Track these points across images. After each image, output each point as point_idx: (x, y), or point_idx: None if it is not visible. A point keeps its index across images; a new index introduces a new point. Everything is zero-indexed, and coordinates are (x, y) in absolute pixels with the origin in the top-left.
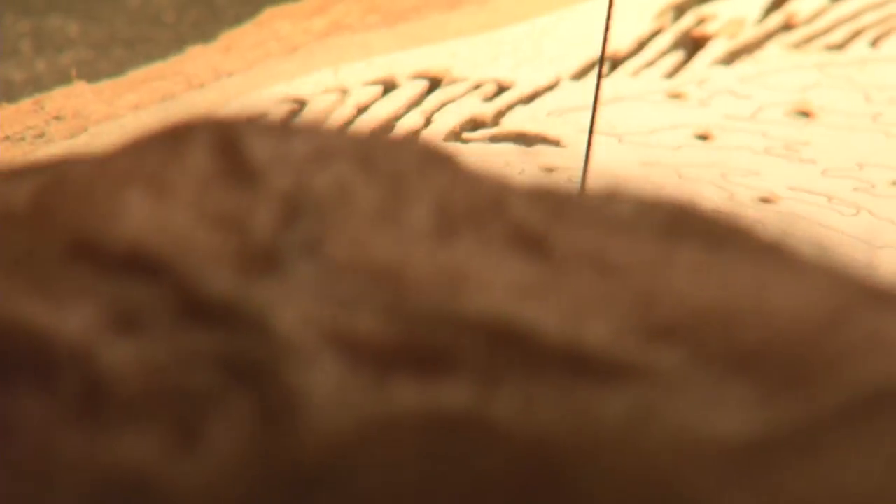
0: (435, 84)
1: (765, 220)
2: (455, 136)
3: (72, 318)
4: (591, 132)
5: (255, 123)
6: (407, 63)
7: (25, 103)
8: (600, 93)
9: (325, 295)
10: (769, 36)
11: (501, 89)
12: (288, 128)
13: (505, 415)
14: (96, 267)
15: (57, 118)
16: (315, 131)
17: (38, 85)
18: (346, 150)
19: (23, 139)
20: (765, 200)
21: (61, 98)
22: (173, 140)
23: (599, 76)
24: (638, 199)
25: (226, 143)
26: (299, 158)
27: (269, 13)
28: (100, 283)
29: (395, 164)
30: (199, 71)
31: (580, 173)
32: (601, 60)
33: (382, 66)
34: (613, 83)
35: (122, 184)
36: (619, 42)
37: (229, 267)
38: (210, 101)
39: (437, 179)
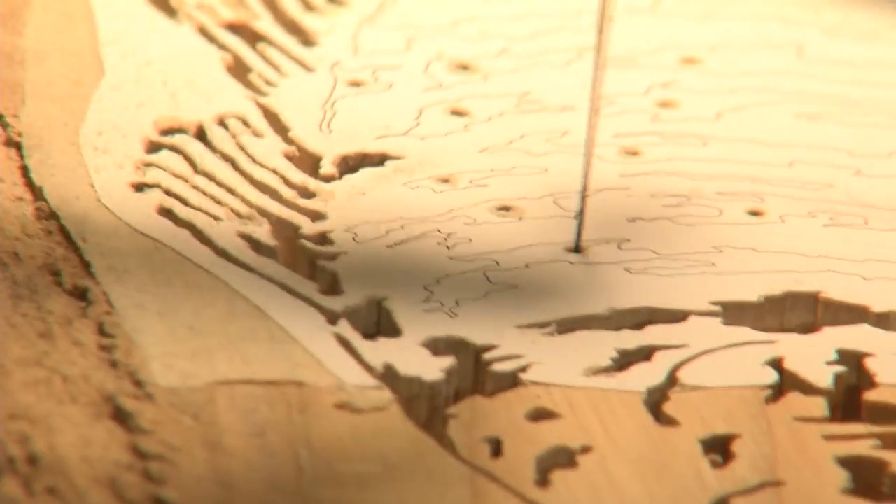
0: (194, 134)
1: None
2: (313, 175)
3: None
4: (590, 140)
5: None
6: (128, 123)
7: None
8: (599, 96)
9: None
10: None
11: (244, 121)
12: None
13: None
14: None
15: None
16: None
17: None
18: None
19: None
20: (629, 153)
21: None
22: None
23: (597, 78)
24: None
25: None
26: None
27: None
28: None
29: None
30: None
31: (470, 179)
32: (599, 62)
33: (122, 132)
34: (299, 90)
35: None
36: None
37: None
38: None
39: None
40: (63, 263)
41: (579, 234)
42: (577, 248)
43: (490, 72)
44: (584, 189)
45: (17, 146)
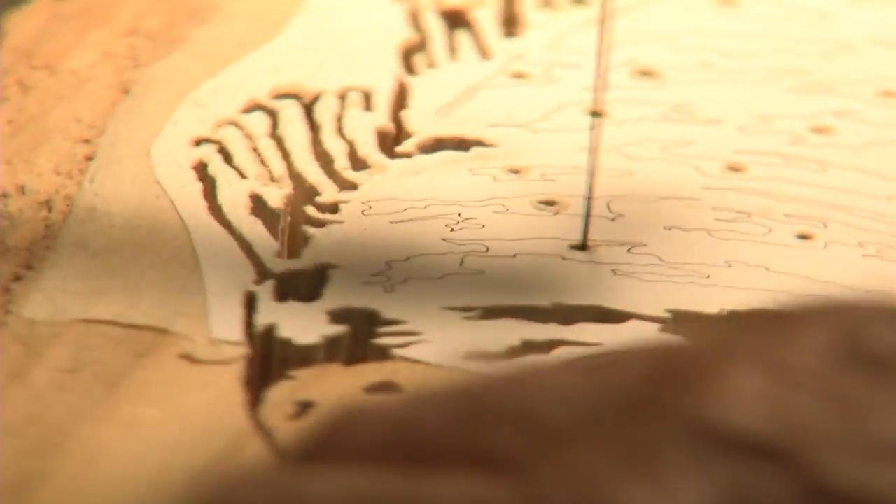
0: (304, 102)
1: (740, 189)
2: (387, 152)
3: (681, 501)
4: (595, 148)
5: (873, 310)
6: (244, 84)
7: None
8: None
9: None
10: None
11: (367, 96)
12: None
13: None
14: (710, 452)
15: None
16: None
17: None
18: None
19: None
20: (732, 169)
21: None
22: (787, 325)
23: (599, 80)
24: None
25: (846, 330)
26: None
27: (45, 54)
28: (714, 469)
29: None
30: (64, 125)
31: (547, 170)
32: (601, 68)
33: (228, 92)
34: (452, 74)
35: (735, 366)
36: (398, 30)
37: (857, 457)
38: (129, 156)
39: None
40: (55, 196)
41: (585, 232)
42: (582, 246)
43: (671, 81)
44: (590, 189)
45: (126, 93)
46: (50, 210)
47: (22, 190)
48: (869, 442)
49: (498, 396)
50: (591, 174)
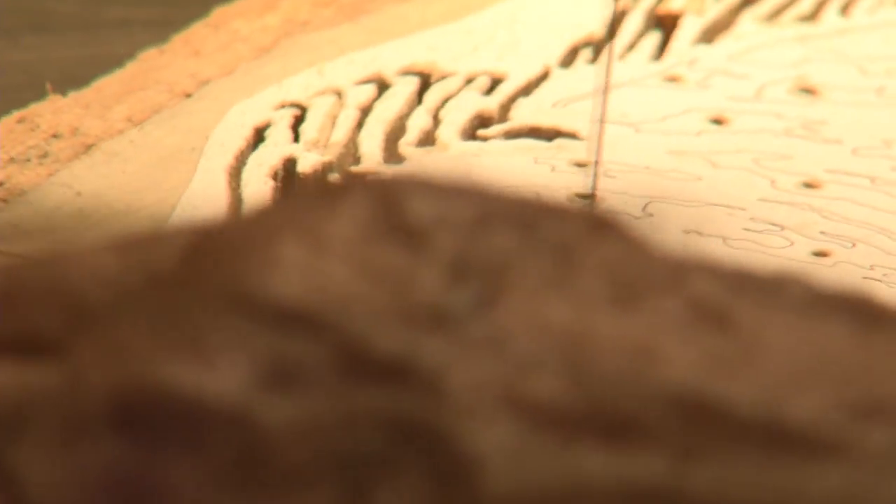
0: (426, 79)
1: (797, 204)
2: (468, 134)
3: (224, 375)
4: (601, 123)
5: (413, 182)
6: (387, 59)
7: (8, 120)
8: (609, 83)
9: (501, 356)
10: (737, 10)
11: (496, 82)
12: (449, 189)
13: (702, 490)
14: (250, 323)
15: (55, 136)
16: (477, 194)
17: (7, 100)
18: (511, 216)
19: (28, 160)
20: (808, 185)
21: (48, 114)
22: (329, 196)
23: (608, 68)
24: (813, 286)
25: (385, 201)
26: (463, 221)
27: (219, 12)
28: (254, 339)
29: (563, 232)
30: (176, 78)
31: (612, 167)
32: (609, 51)
33: (363, 64)
34: (603, 69)
35: (276, 239)
36: (591, 26)
37: (396, 324)
38: (207, 110)
39: (607, 249)
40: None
41: None
42: None
43: (827, 100)
44: (593, 188)
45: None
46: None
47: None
48: (407, 310)
49: (32, 276)
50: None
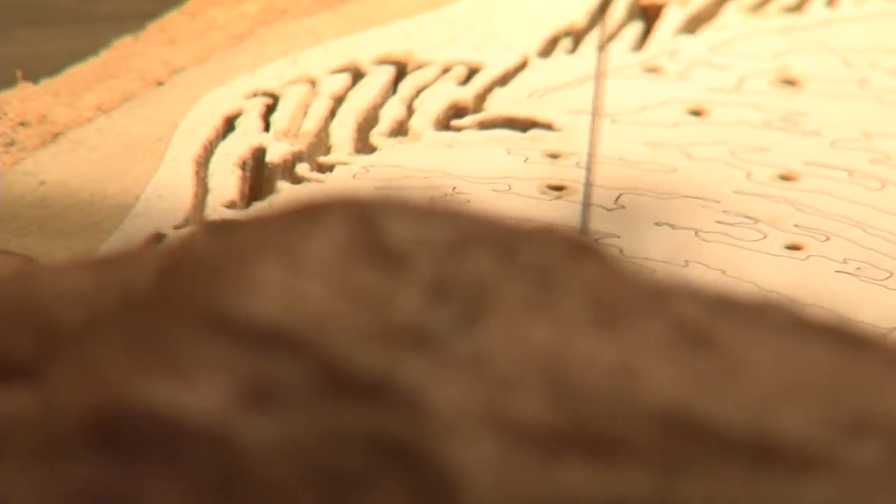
0: (401, 69)
1: (773, 197)
2: (442, 124)
3: (202, 394)
4: (594, 116)
5: (391, 203)
6: (363, 48)
7: None
8: (603, 78)
9: (482, 375)
10: (722, 1)
11: (472, 72)
12: (426, 211)
13: None
14: (228, 342)
15: (22, 124)
16: (455, 215)
17: None
18: (489, 238)
19: None
20: (785, 178)
21: (16, 101)
22: (307, 216)
23: (601, 59)
24: (792, 311)
25: (362, 222)
26: (441, 243)
27: (197, 0)
28: (232, 358)
29: (542, 255)
30: (149, 66)
31: (584, 157)
32: (602, 43)
33: (339, 53)
34: (583, 59)
35: (253, 258)
36: (572, 15)
37: (375, 343)
38: (178, 99)
39: (587, 273)
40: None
41: (584, 221)
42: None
43: (807, 91)
44: (588, 179)
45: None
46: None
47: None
48: (386, 330)
49: (4, 297)
50: (589, 168)
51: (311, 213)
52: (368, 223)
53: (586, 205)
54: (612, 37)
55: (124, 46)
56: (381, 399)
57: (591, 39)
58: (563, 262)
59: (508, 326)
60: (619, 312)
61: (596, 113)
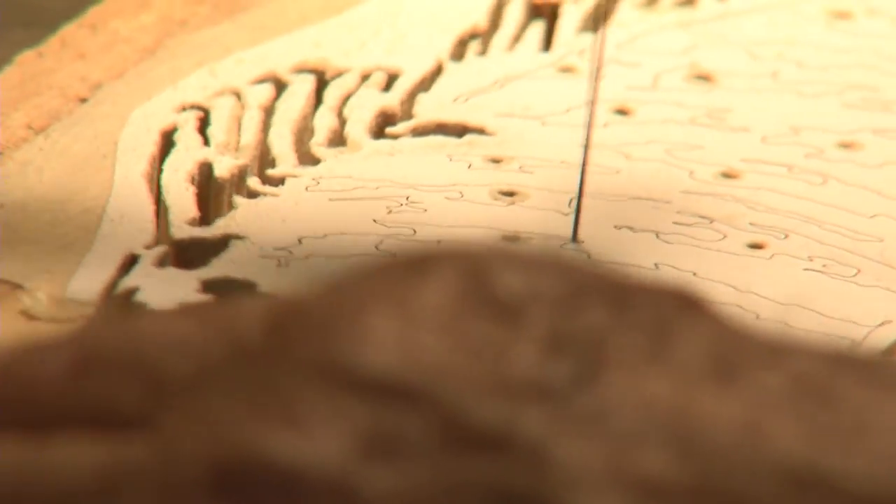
0: (320, 76)
1: (721, 195)
2: (375, 132)
3: (322, 444)
4: (590, 126)
5: (502, 255)
6: (276, 56)
7: None
8: (599, 83)
9: (605, 429)
10: None
11: (391, 77)
12: (537, 263)
13: None
14: (346, 393)
15: None
16: (566, 268)
17: None
18: (602, 291)
19: None
20: (727, 175)
21: None
22: (417, 268)
23: (599, 65)
24: None
25: (474, 274)
26: (554, 296)
27: (94, 12)
28: (351, 409)
29: (655, 308)
30: (67, 82)
31: (527, 162)
32: (600, 45)
33: (253, 62)
34: (497, 61)
35: (366, 310)
36: (475, 16)
37: (495, 395)
38: (108, 115)
39: (702, 326)
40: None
41: (575, 226)
42: (574, 239)
43: (724, 87)
44: (581, 184)
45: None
46: None
47: None
48: (505, 383)
49: (109, 346)
50: (582, 172)
51: (421, 266)
52: (480, 275)
53: (578, 212)
54: (517, 37)
55: (29, 62)
56: (504, 452)
57: (498, 41)
58: (676, 316)
59: (628, 381)
60: (737, 366)
61: (591, 118)
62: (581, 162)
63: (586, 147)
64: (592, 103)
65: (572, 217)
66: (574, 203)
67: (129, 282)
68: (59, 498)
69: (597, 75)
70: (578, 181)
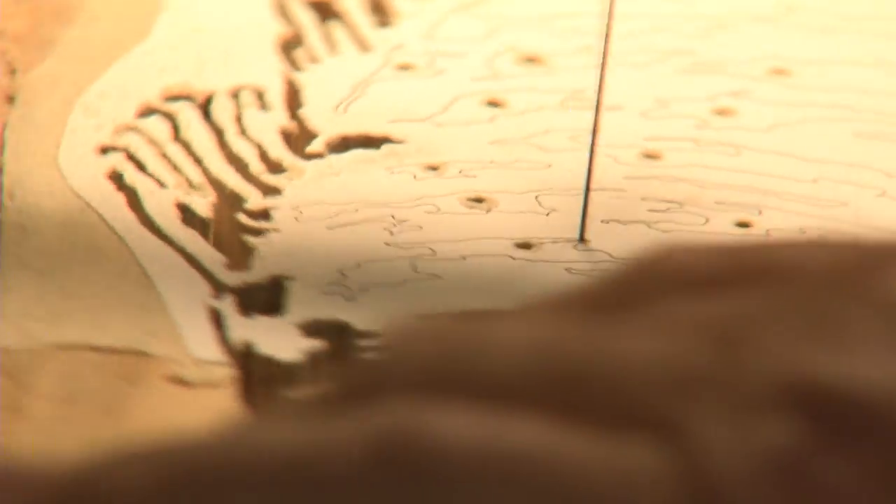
0: (200, 103)
1: (662, 178)
2: (299, 153)
3: (875, 370)
4: (594, 133)
5: None
6: (131, 88)
7: None
8: (602, 94)
9: None
10: None
11: (260, 94)
12: None
13: None
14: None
15: None
16: None
17: None
18: None
19: None
20: (649, 157)
21: None
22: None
23: (603, 70)
24: None
25: None
26: None
27: None
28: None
29: None
30: None
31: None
32: (604, 54)
33: (120, 96)
34: (340, 65)
35: None
36: (272, 26)
37: None
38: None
39: None
40: None
41: (583, 223)
42: (581, 238)
43: (558, 67)
44: (588, 181)
45: (12, 101)
46: None
47: None
48: None
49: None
50: (589, 170)
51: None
52: None
53: (585, 212)
54: (329, 40)
55: None
56: None
57: (318, 44)
58: None
59: None
60: None
61: (597, 114)
62: (587, 161)
63: (592, 147)
64: (598, 104)
65: (579, 217)
66: (582, 203)
67: (235, 335)
68: None
69: (601, 74)
70: (585, 181)
